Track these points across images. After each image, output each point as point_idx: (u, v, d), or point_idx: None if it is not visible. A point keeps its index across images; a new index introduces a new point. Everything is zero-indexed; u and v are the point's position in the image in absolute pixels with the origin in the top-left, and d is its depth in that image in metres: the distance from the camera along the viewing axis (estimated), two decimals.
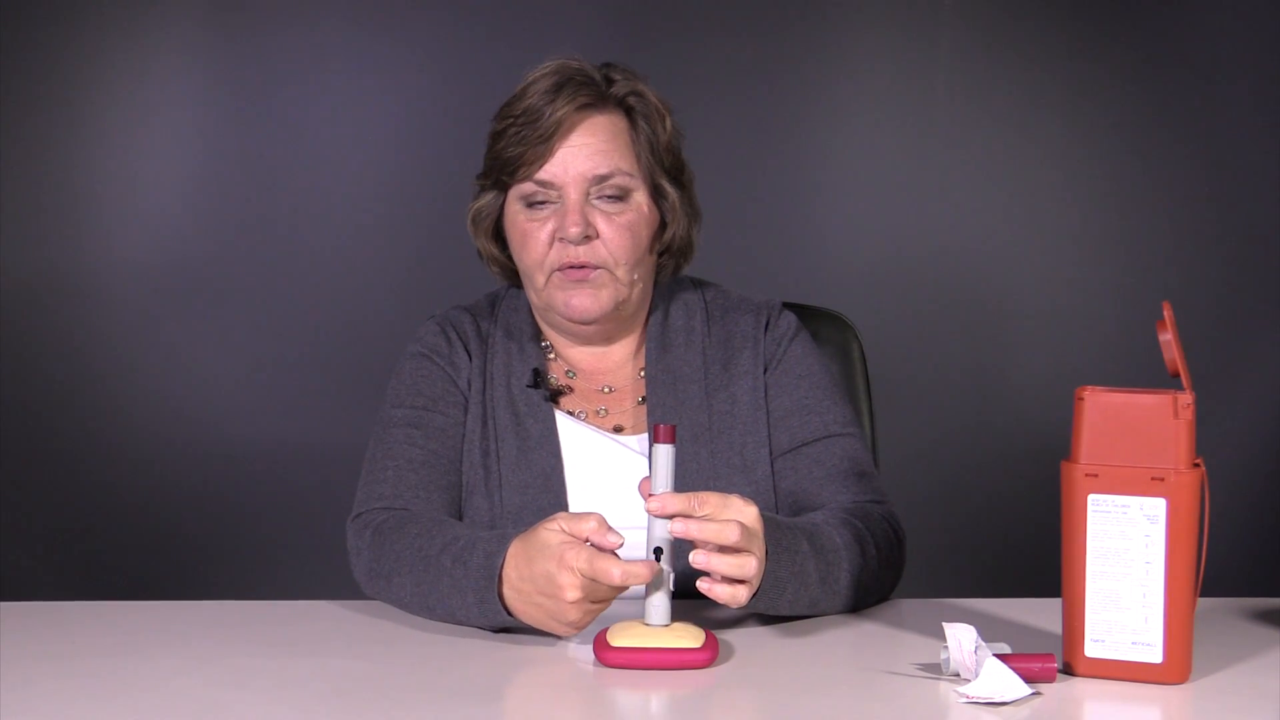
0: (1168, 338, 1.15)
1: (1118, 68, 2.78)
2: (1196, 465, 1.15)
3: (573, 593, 1.23)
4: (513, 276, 1.62)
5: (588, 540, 1.24)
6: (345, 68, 2.72)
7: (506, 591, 1.29)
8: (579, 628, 1.26)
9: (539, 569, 1.25)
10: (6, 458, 2.69)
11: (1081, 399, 1.16)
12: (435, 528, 1.40)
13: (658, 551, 1.23)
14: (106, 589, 2.56)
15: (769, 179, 2.75)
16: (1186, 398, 1.15)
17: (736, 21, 2.74)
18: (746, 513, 1.25)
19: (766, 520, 1.29)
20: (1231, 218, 2.80)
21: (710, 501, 1.23)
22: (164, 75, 2.70)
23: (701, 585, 1.24)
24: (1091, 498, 1.16)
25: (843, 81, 2.79)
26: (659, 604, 1.24)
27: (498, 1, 2.72)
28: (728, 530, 1.22)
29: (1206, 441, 1.19)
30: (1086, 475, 1.16)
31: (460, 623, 1.34)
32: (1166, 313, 1.16)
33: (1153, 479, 1.14)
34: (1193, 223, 2.80)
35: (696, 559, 1.22)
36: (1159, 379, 1.19)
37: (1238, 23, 2.77)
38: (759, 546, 1.25)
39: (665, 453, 1.25)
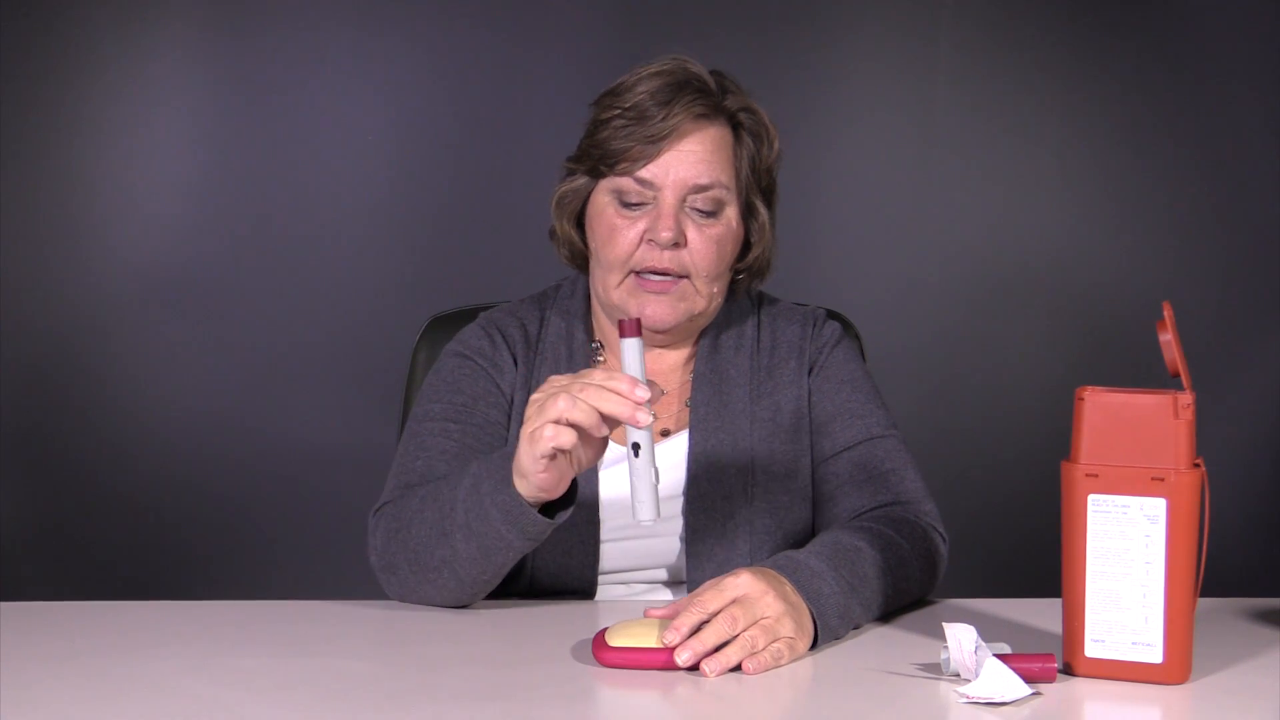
0: (1168, 338, 1.15)
1: (1118, 68, 2.78)
2: (1196, 465, 1.15)
3: (560, 379, 1.24)
4: (580, 262, 1.62)
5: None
6: (345, 68, 2.72)
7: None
8: (544, 429, 1.22)
9: None
10: (6, 458, 2.70)
11: (1081, 399, 1.16)
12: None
13: (635, 447, 1.23)
14: (106, 589, 2.56)
15: None
16: (1186, 398, 1.15)
17: (736, 21, 2.74)
18: (738, 583, 1.22)
19: (785, 565, 1.29)
20: (1231, 218, 2.80)
21: (708, 603, 1.21)
22: (164, 75, 2.70)
23: (711, 668, 1.18)
24: (1091, 498, 1.16)
25: (843, 81, 2.79)
26: (644, 499, 1.23)
27: (497, 2, 2.72)
28: (721, 628, 1.19)
29: (1206, 441, 1.19)
30: (1086, 475, 1.16)
31: (476, 539, 1.32)
32: (1166, 313, 1.16)
33: (1153, 479, 1.14)
34: (1193, 223, 2.81)
35: (683, 659, 1.18)
36: (1159, 379, 1.19)
37: (1238, 23, 2.77)
38: (752, 606, 1.22)
39: (632, 346, 1.24)
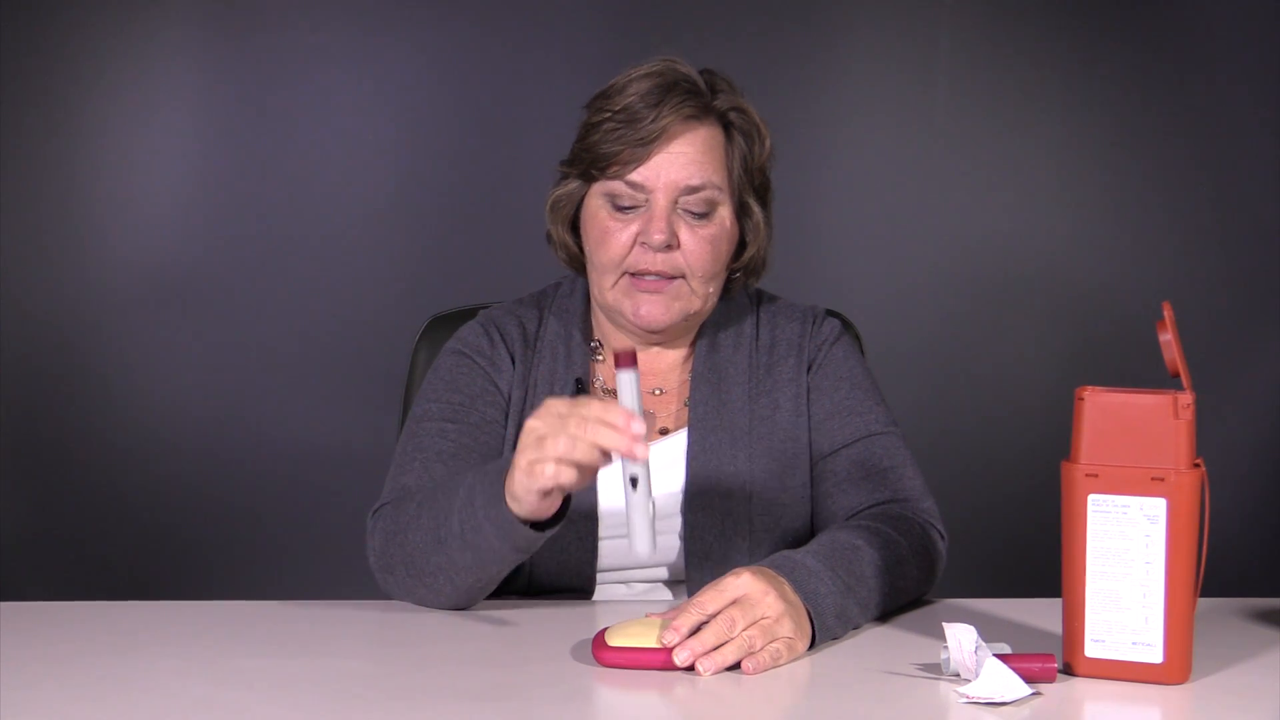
0: (1168, 338, 1.15)
1: (1118, 67, 2.78)
2: (1196, 465, 1.15)
3: (559, 407, 1.22)
4: (577, 265, 1.61)
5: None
6: (345, 68, 2.72)
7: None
8: (545, 466, 1.22)
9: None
10: (6, 458, 2.69)
11: (1081, 399, 1.16)
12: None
13: (633, 480, 1.22)
14: (106, 589, 2.56)
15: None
16: (1186, 398, 1.15)
17: (736, 22, 2.74)
18: (738, 584, 1.22)
19: (782, 565, 1.28)
20: (1231, 218, 2.80)
21: (707, 604, 1.21)
22: (164, 75, 2.70)
23: (706, 666, 1.19)
24: (1091, 498, 1.16)
25: (843, 81, 2.79)
26: (641, 532, 1.22)
27: (497, 2, 2.72)
28: (720, 629, 1.19)
29: (1206, 441, 1.19)
30: (1086, 475, 1.16)
31: (470, 550, 1.32)
32: (1166, 313, 1.16)
33: (1153, 479, 1.14)
34: (1193, 223, 2.81)
35: (681, 658, 1.18)
36: (1159, 379, 1.19)
37: (1238, 23, 2.77)
38: (753, 607, 1.22)
39: (628, 380, 1.24)
